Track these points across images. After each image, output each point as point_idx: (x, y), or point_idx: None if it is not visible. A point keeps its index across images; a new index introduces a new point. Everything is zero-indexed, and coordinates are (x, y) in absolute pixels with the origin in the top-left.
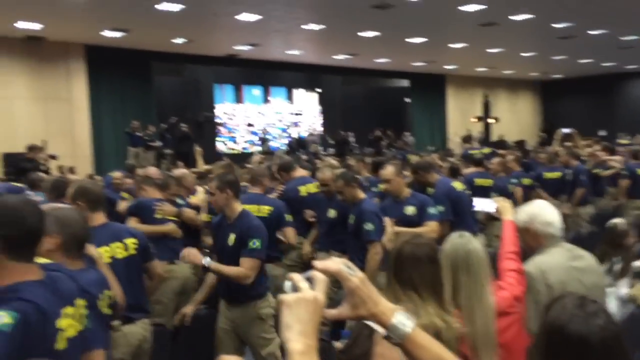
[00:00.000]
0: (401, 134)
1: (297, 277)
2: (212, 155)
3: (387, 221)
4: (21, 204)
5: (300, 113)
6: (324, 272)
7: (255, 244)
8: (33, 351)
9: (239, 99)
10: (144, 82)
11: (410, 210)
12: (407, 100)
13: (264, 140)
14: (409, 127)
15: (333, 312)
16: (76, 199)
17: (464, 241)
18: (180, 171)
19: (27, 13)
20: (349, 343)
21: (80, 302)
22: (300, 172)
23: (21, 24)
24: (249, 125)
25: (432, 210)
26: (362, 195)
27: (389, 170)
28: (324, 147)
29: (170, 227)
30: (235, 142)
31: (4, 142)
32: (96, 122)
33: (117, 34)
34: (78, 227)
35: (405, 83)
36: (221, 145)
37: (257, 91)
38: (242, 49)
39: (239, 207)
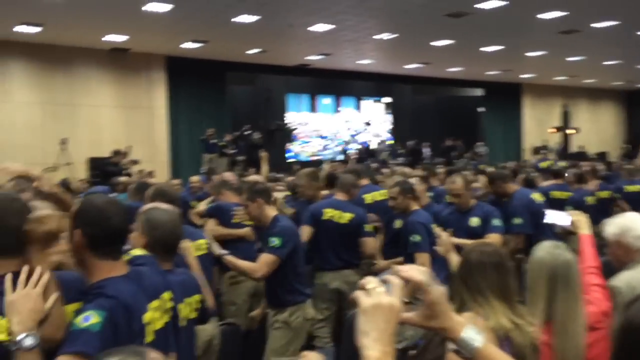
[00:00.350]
0: (473, 145)
1: (373, 281)
2: (283, 163)
3: (442, 232)
4: (106, 204)
5: (369, 123)
6: (406, 279)
7: (274, 242)
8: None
9: (310, 108)
10: (219, 91)
11: (474, 221)
12: (481, 109)
13: (345, 151)
14: (482, 138)
15: (405, 316)
16: (154, 200)
17: (561, 252)
18: (254, 177)
19: (114, 26)
20: (420, 349)
21: (167, 295)
22: (364, 181)
23: (108, 37)
24: (320, 135)
25: (496, 222)
26: (415, 206)
27: (458, 184)
28: (393, 156)
29: (245, 230)
30: (305, 150)
31: (90, 147)
32: (174, 129)
33: (196, 45)
34: (166, 231)
35: (478, 92)
36: (292, 154)
37: (327, 100)
38: (314, 58)
39: (272, 212)
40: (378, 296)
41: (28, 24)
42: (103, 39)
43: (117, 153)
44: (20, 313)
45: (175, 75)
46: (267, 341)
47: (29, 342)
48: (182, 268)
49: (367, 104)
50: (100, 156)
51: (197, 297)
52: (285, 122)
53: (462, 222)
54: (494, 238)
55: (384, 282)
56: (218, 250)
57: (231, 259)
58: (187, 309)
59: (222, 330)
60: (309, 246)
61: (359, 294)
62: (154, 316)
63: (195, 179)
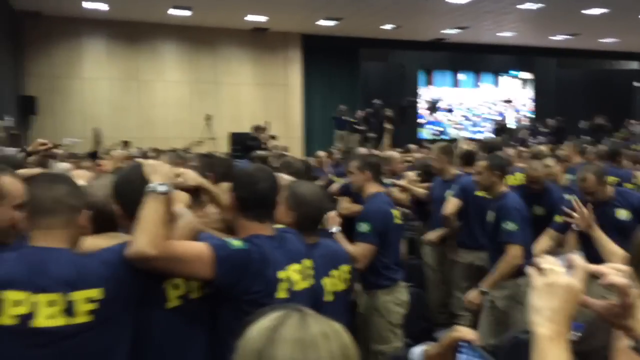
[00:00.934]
0: (625, 122)
1: (550, 261)
2: (414, 140)
3: (581, 206)
4: (255, 171)
5: (509, 100)
6: (609, 285)
7: (362, 227)
8: (248, 281)
9: (446, 84)
10: (352, 68)
11: (623, 214)
12: (637, 84)
13: (499, 129)
14: (636, 115)
15: (589, 301)
16: (281, 172)
17: None
18: (389, 153)
19: (255, 7)
20: (585, 335)
21: (307, 262)
22: None
23: (249, 17)
24: (448, 110)
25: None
26: (503, 188)
27: (589, 181)
28: (533, 135)
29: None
30: (438, 127)
31: (231, 123)
32: (307, 106)
33: (331, 23)
34: (313, 206)
35: (634, 65)
36: (424, 130)
37: (463, 76)
38: (450, 32)
39: (372, 189)
40: (555, 275)
41: (179, 7)
42: (245, 19)
43: (257, 128)
44: (159, 172)
45: (310, 53)
46: (365, 327)
47: (162, 188)
48: (328, 239)
49: (507, 79)
50: (240, 131)
51: (345, 267)
52: (418, 98)
53: (607, 215)
54: None
55: (567, 262)
56: (332, 227)
57: (340, 238)
58: (334, 282)
59: None
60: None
61: (532, 272)
62: (292, 276)
63: (321, 153)
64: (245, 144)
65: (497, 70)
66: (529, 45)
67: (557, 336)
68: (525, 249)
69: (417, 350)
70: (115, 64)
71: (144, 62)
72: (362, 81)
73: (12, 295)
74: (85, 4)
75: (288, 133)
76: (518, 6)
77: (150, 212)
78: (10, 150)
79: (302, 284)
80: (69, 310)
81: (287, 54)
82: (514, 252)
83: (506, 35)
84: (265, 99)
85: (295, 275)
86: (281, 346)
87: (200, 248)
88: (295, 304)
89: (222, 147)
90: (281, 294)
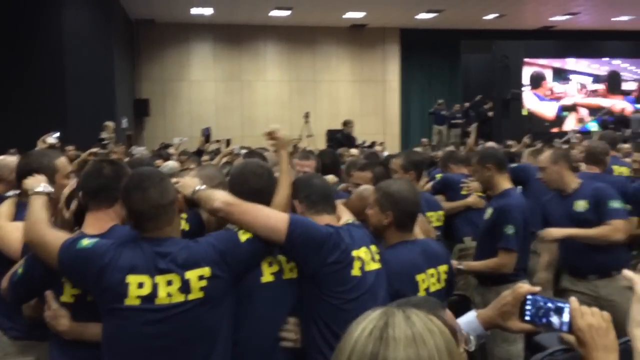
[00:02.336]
0: None
1: None
2: (519, 134)
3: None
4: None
5: (629, 92)
6: None
7: (510, 230)
8: (323, 253)
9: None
10: (452, 61)
11: (580, 205)
12: None
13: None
14: None
15: None
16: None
17: None
18: (488, 145)
19: (353, 3)
20: None
21: (374, 247)
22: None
23: (348, 14)
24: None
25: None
26: (507, 185)
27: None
28: None
29: (472, 199)
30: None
31: (330, 120)
32: (405, 101)
33: (430, 16)
34: (409, 202)
35: None
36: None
37: (572, 63)
38: (559, 19)
39: (505, 182)
40: None
41: (280, 8)
42: (343, 16)
43: (346, 123)
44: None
45: (408, 48)
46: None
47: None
48: (423, 238)
49: (623, 67)
50: (337, 128)
51: (444, 267)
52: (522, 90)
53: (564, 206)
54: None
55: None
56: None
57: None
58: (430, 280)
59: (452, 301)
60: None
61: (636, 279)
62: (363, 256)
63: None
64: (337, 140)
65: (612, 56)
66: None
67: None
68: (520, 256)
69: (468, 317)
70: (219, 66)
71: (246, 63)
72: (463, 74)
73: (134, 278)
74: (193, 10)
75: (385, 129)
76: None
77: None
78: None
79: (372, 265)
80: (185, 288)
81: (385, 49)
82: (507, 260)
83: (623, 19)
84: (363, 95)
85: (365, 255)
86: (394, 346)
87: (277, 214)
88: (366, 283)
89: (320, 144)
90: (355, 271)
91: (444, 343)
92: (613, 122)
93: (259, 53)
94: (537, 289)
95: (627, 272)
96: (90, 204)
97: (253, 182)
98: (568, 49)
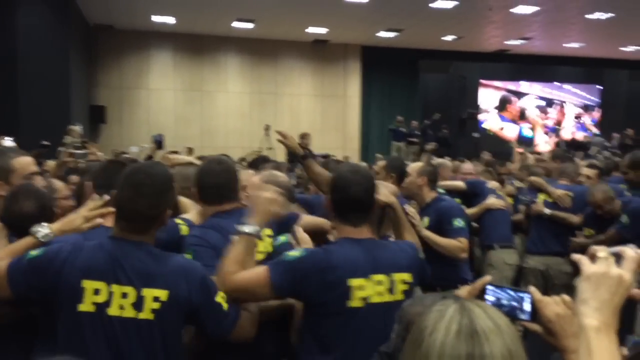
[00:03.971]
0: None
1: (604, 251)
2: (473, 153)
3: None
4: (349, 174)
5: (579, 115)
6: None
7: (458, 223)
8: (311, 289)
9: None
10: (412, 79)
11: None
12: None
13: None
14: None
15: (635, 292)
16: None
17: None
18: (440, 161)
19: (316, 19)
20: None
21: (403, 275)
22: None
23: (310, 29)
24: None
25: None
26: (433, 193)
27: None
28: (602, 150)
29: (490, 200)
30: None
31: (289, 132)
32: (365, 117)
33: (391, 34)
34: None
35: None
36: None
37: (526, 86)
38: (514, 43)
39: (431, 194)
40: (607, 265)
41: (242, 20)
42: (306, 31)
43: (303, 136)
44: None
45: (369, 65)
46: None
47: (249, 229)
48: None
49: (571, 91)
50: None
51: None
52: (478, 110)
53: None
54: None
55: (616, 254)
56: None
57: (428, 234)
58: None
59: None
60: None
61: (583, 260)
62: (369, 287)
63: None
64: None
65: (562, 81)
66: (597, 56)
67: (605, 328)
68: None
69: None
70: (180, 76)
71: (208, 74)
72: (422, 93)
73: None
74: (154, 18)
75: (345, 144)
76: (586, 16)
77: (231, 252)
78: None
79: (378, 298)
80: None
81: (346, 65)
82: (465, 245)
83: (573, 46)
84: (324, 110)
85: (375, 286)
86: (487, 341)
87: (257, 274)
88: (370, 317)
89: (279, 157)
90: (355, 302)
91: (513, 329)
92: (560, 145)
93: (220, 64)
94: (489, 278)
95: (574, 255)
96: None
97: (210, 180)
98: (522, 73)
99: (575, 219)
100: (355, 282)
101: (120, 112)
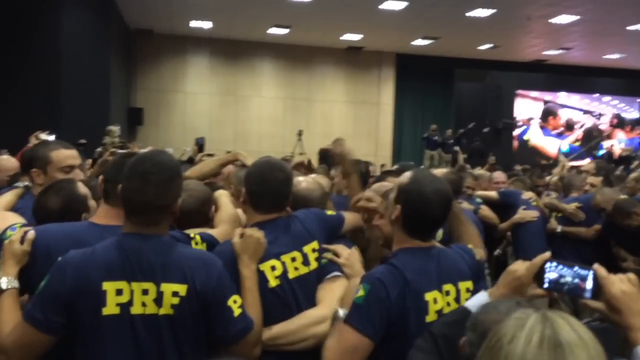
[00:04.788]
0: None
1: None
2: (509, 163)
3: None
4: (430, 193)
5: (617, 124)
6: None
7: None
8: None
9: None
10: (446, 88)
11: None
12: None
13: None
14: None
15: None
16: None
17: None
18: (481, 172)
19: (351, 26)
20: None
21: (467, 283)
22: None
23: (345, 36)
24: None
25: None
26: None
27: None
28: None
29: (520, 214)
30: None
31: (322, 139)
32: (398, 125)
33: (426, 42)
34: None
35: None
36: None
37: (564, 97)
38: (552, 53)
39: None
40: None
41: (279, 26)
42: (341, 38)
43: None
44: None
45: (403, 72)
46: None
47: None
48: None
49: (613, 104)
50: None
51: None
52: (514, 120)
53: None
54: None
55: None
56: None
57: None
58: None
59: None
60: None
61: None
62: (439, 299)
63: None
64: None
65: (602, 92)
66: (638, 68)
67: None
68: None
69: (480, 300)
70: (215, 80)
71: (242, 78)
72: (456, 102)
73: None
74: (192, 23)
75: (377, 152)
76: (628, 27)
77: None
78: None
79: (448, 309)
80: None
81: (380, 72)
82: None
83: (613, 57)
84: (357, 116)
85: (445, 297)
86: (571, 353)
87: (346, 339)
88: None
89: (313, 163)
90: (432, 316)
91: (598, 343)
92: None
93: (255, 69)
94: (549, 254)
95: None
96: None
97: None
98: (560, 83)
99: (584, 232)
100: (429, 296)
101: (157, 114)
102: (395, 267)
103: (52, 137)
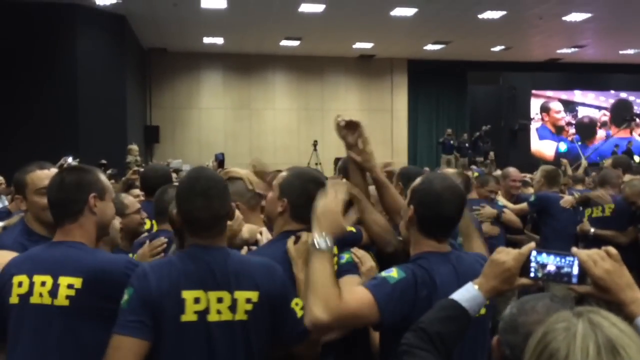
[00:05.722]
0: None
1: None
2: (527, 164)
3: None
4: (444, 191)
5: (633, 118)
6: None
7: None
8: (417, 311)
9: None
10: (459, 91)
11: None
12: None
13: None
14: None
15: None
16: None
17: None
18: (508, 170)
19: (362, 34)
20: None
21: None
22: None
23: (357, 45)
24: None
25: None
26: None
27: None
28: None
29: (485, 227)
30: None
31: (338, 148)
32: (413, 131)
33: (438, 47)
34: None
35: None
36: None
37: (580, 95)
38: (566, 51)
39: None
40: None
41: (290, 38)
42: (352, 47)
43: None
44: (325, 221)
45: (416, 78)
46: None
47: (323, 244)
48: None
49: (630, 99)
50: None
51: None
52: (530, 121)
53: None
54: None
55: None
56: None
57: None
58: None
59: None
60: None
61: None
62: None
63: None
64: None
65: (618, 89)
66: None
67: None
68: None
69: (468, 293)
70: (229, 94)
71: (256, 92)
72: (471, 105)
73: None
74: (205, 39)
75: (394, 158)
76: None
77: (317, 273)
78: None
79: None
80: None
81: (393, 79)
82: None
83: (630, 52)
84: (371, 124)
85: None
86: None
87: (362, 297)
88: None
89: (328, 173)
90: None
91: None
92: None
93: (268, 82)
94: (533, 244)
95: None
96: None
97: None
98: (575, 81)
99: (622, 238)
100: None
101: (172, 131)
102: (425, 270)
103: (71, 160)
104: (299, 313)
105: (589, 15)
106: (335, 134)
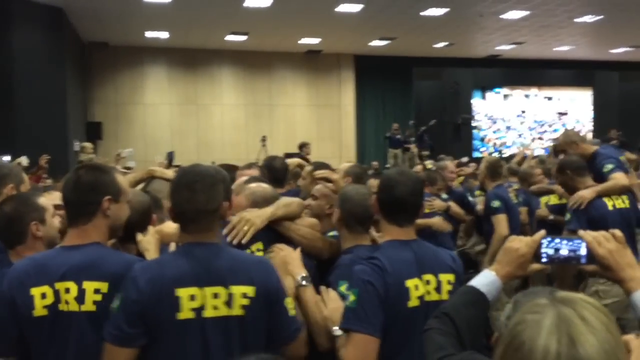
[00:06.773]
0: None
1: None
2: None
3: None
4: (396, 175)
5: (565, 113)
6: None
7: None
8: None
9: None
10: (405, 87)
11: None
12: None
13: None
14: None
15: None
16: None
17: None
18: (445, 163)
19: (308, 30)
20: None
21: (448, 276)
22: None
23: (303, 40)
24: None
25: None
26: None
27: None
28: None
29: (435, 220)
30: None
31: (286, 143)
32: (360, 126)
33: (383, 43)
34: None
35: None
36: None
37: (519, 91)
38: (505, 48)
39: None
40: None
41: (236, 33)
42: (299, 42)
43: (302, 146)
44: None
45: (362, 73)
46: None
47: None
48: None
49: (564, 94)
50: (295, 152)
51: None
52: (473, 115)
53: None
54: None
55: None
56: None
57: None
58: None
59: None
60: None
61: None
62: (420, 285)
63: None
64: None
65: (555, 84)
66: (588, 59)
67: None
68: None
69: (487, 279)
70: (175, 90)
71: (202, 87)
72: (416, 100)
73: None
74: (147, 33)
75: (341, 153)
76: (576, 20)
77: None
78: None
79: (429, 297)
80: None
81: (340, 74)
82: None
83: (564, 49)
84: (319, 119)
85: (426, 286)
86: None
87: (357, 344)
88: (421, 312)
89: None
90: (413, 302)
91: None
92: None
93: (214, 77)
94: (544, 232)
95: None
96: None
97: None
98: (515, 77)
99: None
100: (410, 282)
101: (116, 127)
102: (376, 260)
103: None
104: (291, 312)
105: (526, 13)
106: (283, 129)
